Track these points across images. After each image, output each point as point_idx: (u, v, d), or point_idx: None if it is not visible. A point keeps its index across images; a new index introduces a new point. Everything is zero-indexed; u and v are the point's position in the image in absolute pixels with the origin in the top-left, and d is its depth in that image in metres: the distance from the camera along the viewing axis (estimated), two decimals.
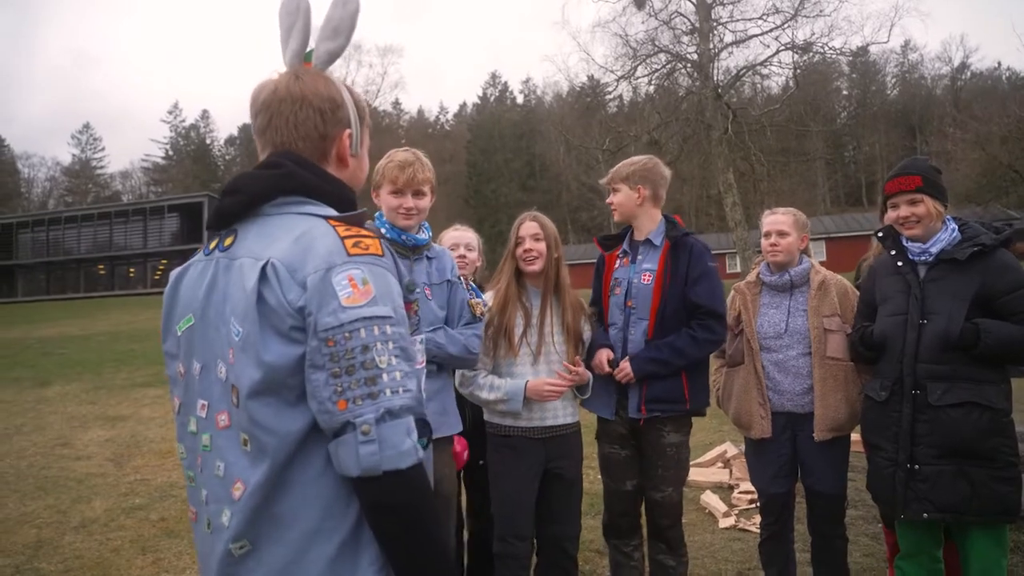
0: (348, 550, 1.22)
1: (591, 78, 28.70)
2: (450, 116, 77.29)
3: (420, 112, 75.00)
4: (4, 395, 10.96)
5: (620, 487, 3.15)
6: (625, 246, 3.18)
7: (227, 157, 75.89)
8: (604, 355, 3.02)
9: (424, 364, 1.40)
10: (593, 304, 3.21)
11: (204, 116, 76.72)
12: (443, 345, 2.59)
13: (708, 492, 4.89)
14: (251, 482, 1.23)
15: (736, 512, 4.52)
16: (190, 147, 75.15)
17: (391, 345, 1.22)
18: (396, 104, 68.46)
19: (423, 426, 1.26)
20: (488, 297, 3.02)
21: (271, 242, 1.28)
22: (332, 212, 1.35)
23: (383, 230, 2.67)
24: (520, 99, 73.24)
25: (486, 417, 3.01)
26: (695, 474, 5.31)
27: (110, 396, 10.61)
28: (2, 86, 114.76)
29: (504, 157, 64.01)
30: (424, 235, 2.75)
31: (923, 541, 2.70)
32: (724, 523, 4.41)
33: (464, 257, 3.45)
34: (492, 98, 74.34)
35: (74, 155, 74.56)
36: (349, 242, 1.25)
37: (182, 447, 1.42)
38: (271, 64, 1.47)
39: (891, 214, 2.73)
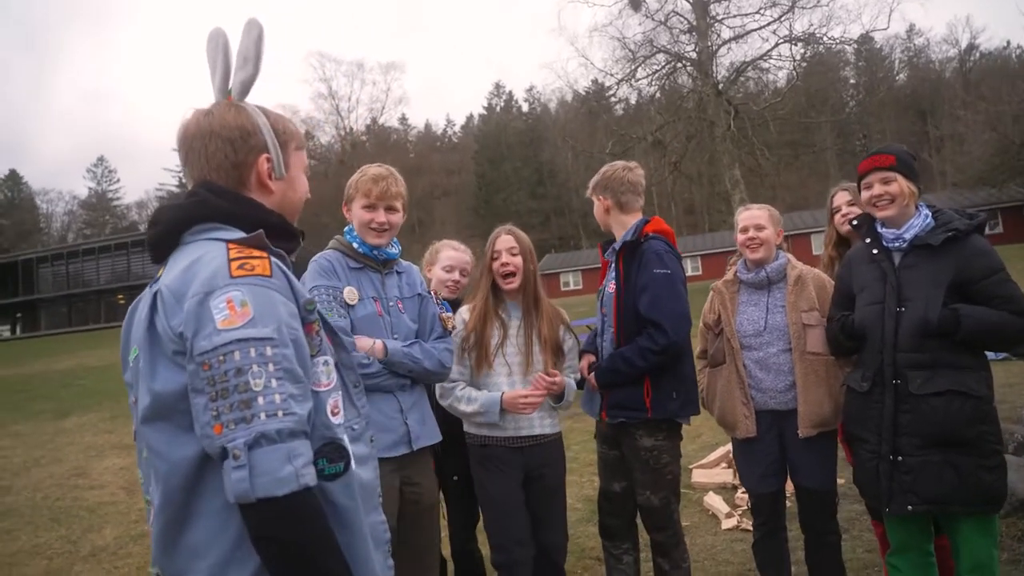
0: None
1: (595, 82, 28.67)
2: (457, 128, 77.74)
3: (427, 126, 75.54)
4: (24, 428, 11.13)
5: (609, 487, 3.15)
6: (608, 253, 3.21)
7: None
8: (586, 360, 3.11)
9: (330, 386, 1.37)
10: None
11: None
12: (419, 360, 2.59)
13: (711, 493, 4.84)
14: (155, 506, 1.25)
15: (739, 513, 4.47)
16: None
17: (271, 367, 1.19)
18: (403, 119, 69.16)
19: (335, 451, 1.26)
20: (465, 311, 3.02)
21: (171, 269, 1.31)
22: (241, 235, 1.36)
23: (354, 244, 2.65)
24: (525, 107, 73.50)
25: (465, 428, 3.00)
26: (698, 475, 5.28)
27: (127, 424, 10.71)
28: (20, 125, 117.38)
29: (512, 166, 64.16)
30: (395, 249, 2.74)
31: (912, 535, 2.66)
32: (727, 524, 4.36)
33: (458, 282, 3.38)
34: (498, 108, 74.60)
35: (90, 188, 76.00)
36: (235, 264, 1.26)
37: (140, 472, 1.45)
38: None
39: (864, 194, 2.72)
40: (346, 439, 1.37)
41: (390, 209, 2.65)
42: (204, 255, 1.29)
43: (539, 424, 2.96)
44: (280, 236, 1.43)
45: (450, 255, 3.40)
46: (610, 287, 3.09)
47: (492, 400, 2.85)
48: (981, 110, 34.27)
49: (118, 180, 77.37)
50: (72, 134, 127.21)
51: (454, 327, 2.86)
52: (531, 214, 59.52)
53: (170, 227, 1.38)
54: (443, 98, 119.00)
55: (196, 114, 1.43)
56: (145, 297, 1.34)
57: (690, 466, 5.51)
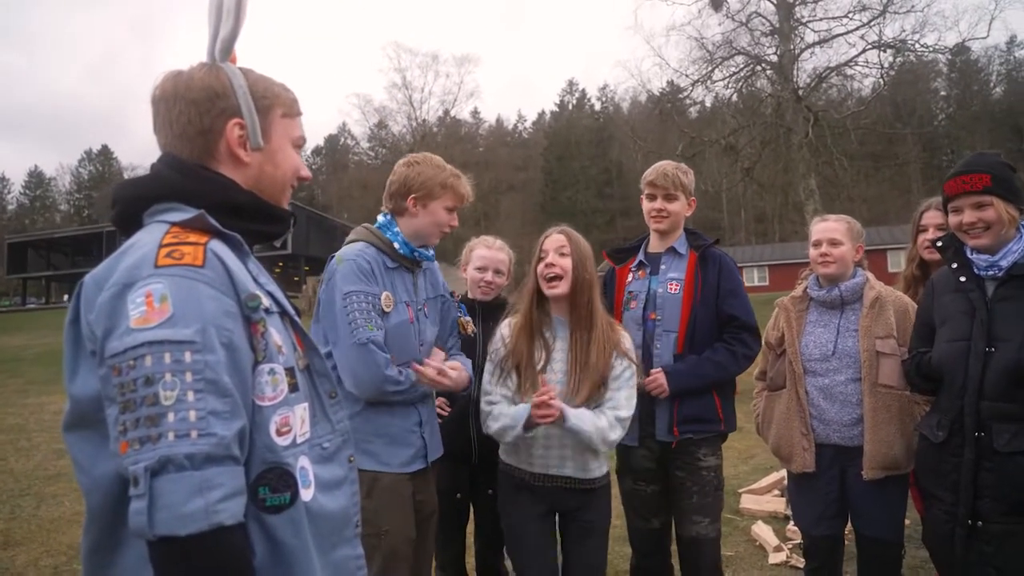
0: None
1: (670, 83, 27.99)
2: (528, 124, 77.48)
3: (499, 121, 75.52)
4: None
5: (646, 524, 2.89)
6: (641, 258, 2.95)
7: (314, 167, 78.67)
8: (658, 377, 2.72)
9: (277, 399, 1.14)
10: None
11: None
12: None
13: (760, 523, 4.50)
14: (84, 522, 1.10)
15: (789, 547, 4.14)
16: None
17: (189, 377, 0.99)
18: (475, 113, 69.30)
19: (280, 478, 1.07)
20: (506, 327, 2.63)
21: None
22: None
23: (395, 244, 2.42)
24: (598, 106, 72.65)
25: (500, 454, 2.68)
26: (748, 501, 4.94)
27: None
28: (120, 103, 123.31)
29: (581, 164, 63.59)
30: (431, 251, 2.58)
31: None
32: (774, 559, 4.03)
33: (491, 283, 3.09)
34: (570, 105, 74.00)
35: None
36: (163, 251, 1.07)
37: None
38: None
39: (953, 220, 2.34)
40: (302, 463, 1.17)
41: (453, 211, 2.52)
42: (139, 240, 1.12)
43: (572, 465, 2.48)
44: (251, 218, 1.25)
45: (482, 254, 3.11)
46: (670, 287, 2.83)
47: (519, 413, 2.40)
48: None
49: None
50: None
51: (473, 332, 2.63)
52: (597, 214, 58.89)
53: (127, 206, 1.22)
54: (516, 94, 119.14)
55: (167, 76, 1.26)
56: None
57: (739, 490, 5.18)
